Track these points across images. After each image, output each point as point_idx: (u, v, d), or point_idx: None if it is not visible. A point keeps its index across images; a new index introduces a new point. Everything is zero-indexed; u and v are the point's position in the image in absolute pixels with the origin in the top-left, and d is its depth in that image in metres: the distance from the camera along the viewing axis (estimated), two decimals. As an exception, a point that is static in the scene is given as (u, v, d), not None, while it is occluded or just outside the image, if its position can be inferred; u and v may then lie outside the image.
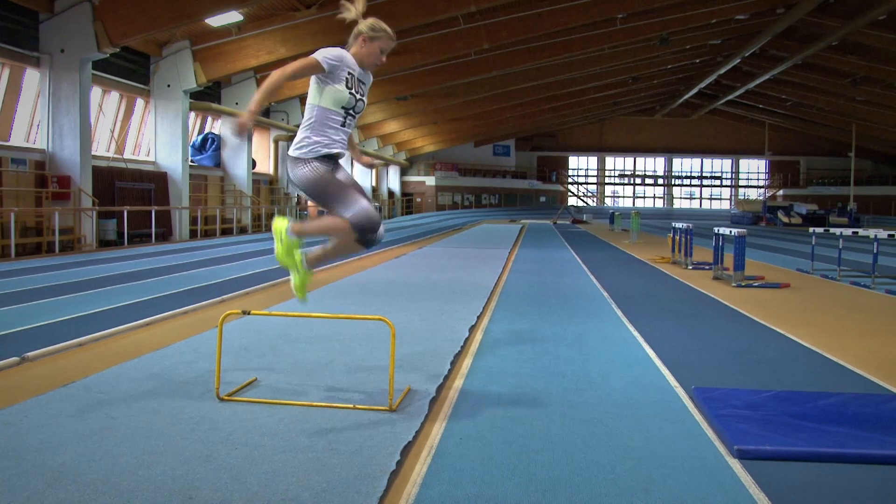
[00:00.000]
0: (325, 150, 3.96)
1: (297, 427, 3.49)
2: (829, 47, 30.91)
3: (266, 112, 26.75)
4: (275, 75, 3.78)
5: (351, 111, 4.03)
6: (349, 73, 3.96)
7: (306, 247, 4.16)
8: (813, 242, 12.68)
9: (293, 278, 4.17)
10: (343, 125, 4.02)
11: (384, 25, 4.05)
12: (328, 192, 3.94)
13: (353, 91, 3.99)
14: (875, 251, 10.52)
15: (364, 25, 4.02)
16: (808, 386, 4.48)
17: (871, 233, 10.79)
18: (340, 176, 4.02)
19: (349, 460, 3.07)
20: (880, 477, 3.01)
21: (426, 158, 51.91)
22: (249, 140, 25.13)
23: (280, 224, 4.11)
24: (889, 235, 10.63)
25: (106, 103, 19.58)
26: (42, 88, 15.96)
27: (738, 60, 35.52)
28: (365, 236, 3.99)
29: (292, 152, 3.99)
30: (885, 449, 3.22)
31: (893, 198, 49.98)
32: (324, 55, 3.86)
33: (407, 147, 46.42)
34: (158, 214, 18.94)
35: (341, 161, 4.12)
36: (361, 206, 3.91)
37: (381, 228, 4.03)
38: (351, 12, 4.06)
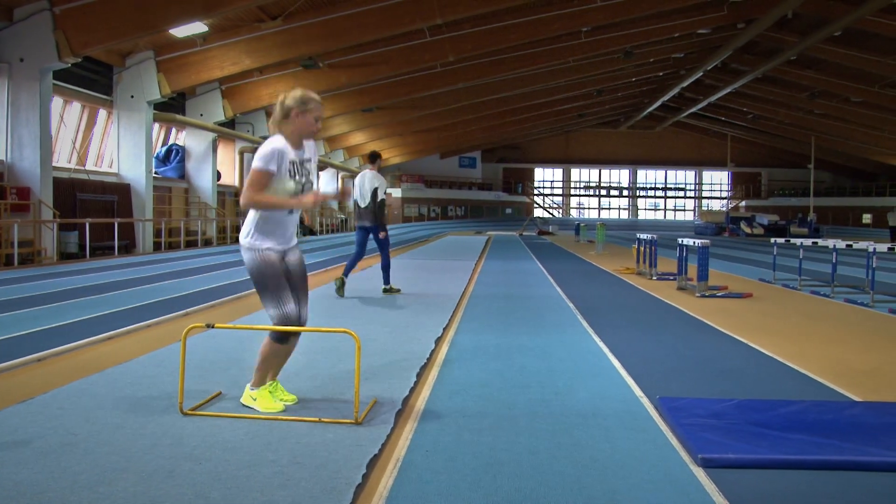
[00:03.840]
0: (276, 252, 4.00)
1: (262, 441, 3.45)
2: (788, 62, 31.58)
3: (231, 124, 26.54)
4: (245, 206, 3.92)
5: (306, 185, 4.08)
6: (290, 163, 3.97)
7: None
8: (774, 253, 12.90)
9: (260, 405, 4.04)
10: (291, 212, 4.06)
11: (311, 95, 4.03)
12: (266, 286, 3.97)
13: (296, 178, 4.01)
14: (834, 261, 10.73)
15: (291, 100, 3.98)
16: (769, 394, 4.55)
17: (830, 243, 11.01)
18: (287, 266, 4.07)
19: (315, 474, 3.04)
20: (840, 482, 3.06)
21: (392, 170, 51.88)
22: (214, 151, 24.91)
23: (245, 398, 4.09)
24: (847, 246, 10.86)
25: (67, 114, 19.28)
26: (0, 98, 15.66)
27: (701, 74, 36.11)
28: (282, 341, 4.03)
29: (242, 240, 4.02)
30: (843, 455, 3.28)
31: (851, 209, 51.06)
32: (263, 159, 3.87)
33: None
34: (121, 227, 18.66)
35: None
36: (285, 311, 3.97)
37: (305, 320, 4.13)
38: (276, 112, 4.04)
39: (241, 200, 3.92)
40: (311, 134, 4.09)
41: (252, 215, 4.00)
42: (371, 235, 9.53)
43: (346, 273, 9.50)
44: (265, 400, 4.03)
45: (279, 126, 4.01)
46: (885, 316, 8.41)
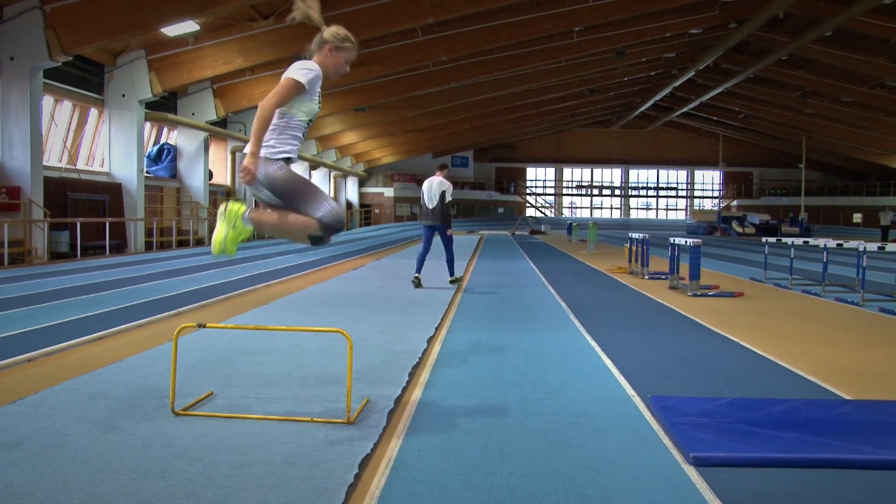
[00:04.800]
0: (292, 157, 3.91)
1: (254, 441, 3.44)
2: (780, 62, 31.71)
3: (223, 123, 26.48)
4: (263, 109, 3.70)
5: (313, 120, 4.01)
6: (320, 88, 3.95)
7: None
8: (766, 252, 12.95)
9: (223, 231, 3.89)
10: (303, 134, 4.00)
11: (349, 34, 3.98)
12: (301, 191, 3.83)
13: (320, 103, 3.98)
14: (825, 260, 10.77)
15: (329, 34, 3.93)
16: (761, 393, 4.56)
17: (821, 242, 11.05)
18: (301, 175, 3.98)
19: (307, 474, 3.04)
20: (830, 480, 3.08)
21: (384, 170, 51.88)
22: (206, 151, 24.85)
23: (236, 208, 3.94)
24: (838, 245, 10.90)
25: (58, 113, 19.20)
26: (-9, 97, 15.59)
27: (693, 73, 36.21)
28: (328, 236, 3.90)
29: (262, 152, 3.82)
30: (834, 453, 3.29)
31: (842, 208, 51.29)
32: (303, 73, 3.79)
33: (365, 158, 46.34)
34: (113, 226, 18.59)
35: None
36: (333, 207, 3.86)
37: None
38: (311, 14, 3.94)
39: (262, 102, 3.73)
40: (339, 74, 4.05)
41: (275, 129, 3.85)
42: (437, 233, 10.71)
43: (418, 270, 10.62)
44: (238, 238, 3.90)
45: (309, 55, 3.97)
46: (875, 314, 8.45)
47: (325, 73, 3.98)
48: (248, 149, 3.72)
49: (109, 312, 7.55)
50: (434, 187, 10.56)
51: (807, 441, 3.45)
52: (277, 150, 3.84)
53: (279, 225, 3.92)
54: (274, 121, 3.85)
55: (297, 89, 3.78)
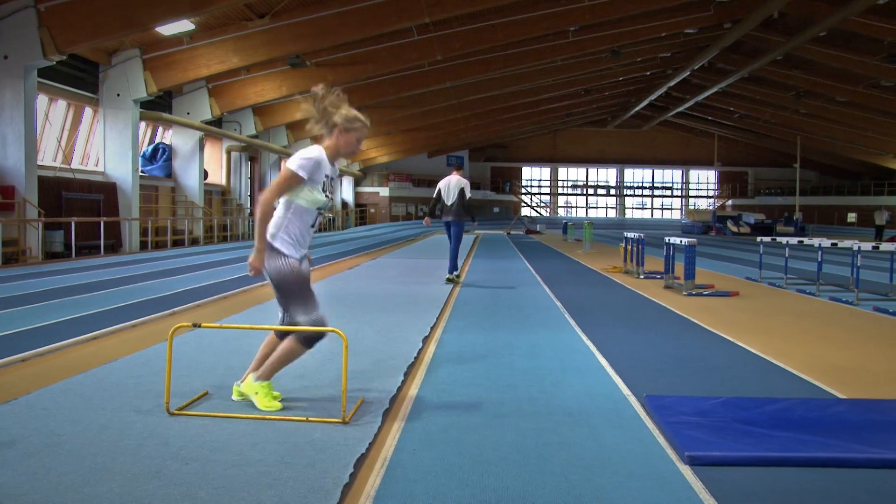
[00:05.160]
0: (298, 255, 3.96)
1: (249, 441, 3.44)
2: (774, 62, 31.78)
3: (218, 122, 26.44)
4: (262, 203, 3.85)
5: (322, 210, 4.07)
6: (325, 176, 3.98)
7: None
8: (761, 251, 12.97)
9: (255, 402, 4.01)
10: (313, 224, 4.05)
11: (359, 115, 4.03)
12: (294, 291, 3.94)
13: (327, 193, 4.01)
14: (819, 259, 10.80)
15: (339, 117, 3.98)
16: (755, 392, 4.57)
17: (816, 242, 11.08)
18: (305, 272, 4.03)
19: (302, 474, 3.03)
20: (824, 479, 3.08)
21: (380, 169, 51.86)
22: (201, 150, 24.80)
23: (247, 387, 4.06)
24: (832, 244, 10.94)
25: (52, 112, 19.15)
26: (-15, 96, 15.53)
27: (688, 73, 36.27)
28: (309, 345, 4.02)
29: (268, 241, 3.94)
30: (828, 452, 3.30)
31: (837, 208, 51.41)
32: (301, 165, 3.86)
33: (361, 158, 46.33)
34: (107, 226, 18.55)
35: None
36: (318, 315, 3.97)
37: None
38: (331, 109, 3.99)
39: (263, 195, 3.89)
40: (351, 154, 4.14)
41: (282, 217, 3.94)
42: (452, 228, 11.25)
43: (453, 267, 11.15)
44: (265, 397, 4.00)
45: (324, 138, 4.03)
46: (869, 314, 8.47)
47: (337, 155, 4.06)
48: (255, 246, 3.89)
49: (104, 312, 7.54)
50: (452, 185, 11.12)
51: (801, 440, 3.46)
52: (283, 247, 3.92)
53: (282, 365, 4.06)
54: (279, 212, 3.95)
55: (296, 180, 3.87)
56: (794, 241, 12.51)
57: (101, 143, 20.12)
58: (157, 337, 6.08)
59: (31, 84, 15.75)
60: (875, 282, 11.70)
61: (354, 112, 4.02)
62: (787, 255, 11.99)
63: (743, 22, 26.77)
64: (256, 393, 4.01)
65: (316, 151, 3.95)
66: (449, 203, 11.12)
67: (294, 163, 3.87)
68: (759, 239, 13.44)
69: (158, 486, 2.88)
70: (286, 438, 3.48)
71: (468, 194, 11.15)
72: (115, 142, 19.94)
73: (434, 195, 11.42)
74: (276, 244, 3.92)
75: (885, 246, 9.90)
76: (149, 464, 3.11)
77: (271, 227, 3.94)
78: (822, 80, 33.51)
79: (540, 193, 62.00)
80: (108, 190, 19.83)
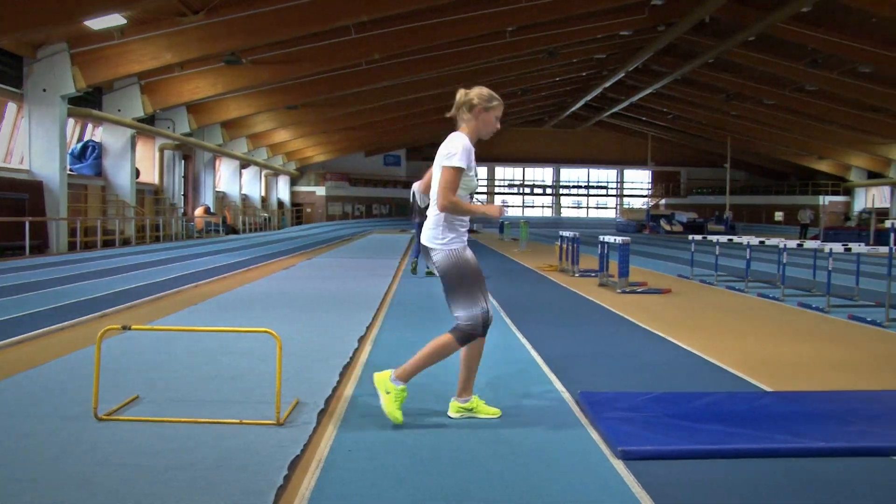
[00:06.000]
0: (460, 246, 3.92)
1: (182, 445, 3.37)
2: (706, 64, 32.60)
3: (151, 120, 25.80)
4: (451, 206, 3.84)
5: (473, 194, 4.07)
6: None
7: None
8: (692, 249, 13.29)
9: (383, 400, 3.81)
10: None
11: (493, 93, 4.03)
12: (463, 284, 3.87)
13: (477, 175, 4.02)
14: (748, 257, 11.13)
15: (475, 97, 3.98)
16: (686, 387, 4.69)
17: (745, 240, 11.42)
18: (474, 262, 3.97)
19: (235, 477, 2.99)
20: (753, 470, 3.18)
21: (316, 168, 51.42)
22: (132, 148, 24.16)
23: (380, 376, 3.90)
24: (760, 242, 11.28)
25: (-26, 108, 18.41)
26: None
27: (623, 74, 36.90)
28: (471, 341, 3.91)
29: (432, 244, 3.92)
30: (755, 443, 3.41)
31: (765, 207, 52.96)
32: (460, 158, 3.83)
33: (297, 157, 45.83)
34: (33, 226, 17.91)
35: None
36: (481, 310, 3.87)
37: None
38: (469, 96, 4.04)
39: (440, 202, 3.82)
40: (490, 133, 4.09)
41: (438, 216, 3.91)
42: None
43: (417, 263, 12.24)
44: (401, 400, 3.82)
45: (458, 119, 4.04)
46: (794, 309, 8.77)
47: (479, 135, 4.05)
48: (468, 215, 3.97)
49: (30, 315, 7.29)
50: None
51: (729, 433, 3.56)
52: (451, 244, 3.89)
53: (426, 365, 3.94)
54: (434, 209, 3.95)
55: (462, 174, 3.86)
56: (724, 239, 12.87)
57: (26, 141, 19.39)
58: (85, 340, 5.90)
59: (-50, 78, 15.11)
60: (800, 278, 12.11)
61: (488, 90, 4.02)
62: (717, 253, 12.32)
63: (676, 25, 27.38)
64: (388, 391, 3.82)
65: (463, 139, 3.93)
66: (422, 206, 11.19)
67: (454, 159, 3.83)
68: (690, 237, 13.77)
69: (85, 494, 2.79)
70: (219, 442, 3.42)
71: None
72: (41, 139, 19.22)
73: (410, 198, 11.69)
74: (444, 243, 3.88)
75: (808, 244, 10.25)
76: (75, 471, 3.02)
77: (433, 227, 3.93)
78: (750, 83, 34.51)
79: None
80: (33, 189, 19.14)
